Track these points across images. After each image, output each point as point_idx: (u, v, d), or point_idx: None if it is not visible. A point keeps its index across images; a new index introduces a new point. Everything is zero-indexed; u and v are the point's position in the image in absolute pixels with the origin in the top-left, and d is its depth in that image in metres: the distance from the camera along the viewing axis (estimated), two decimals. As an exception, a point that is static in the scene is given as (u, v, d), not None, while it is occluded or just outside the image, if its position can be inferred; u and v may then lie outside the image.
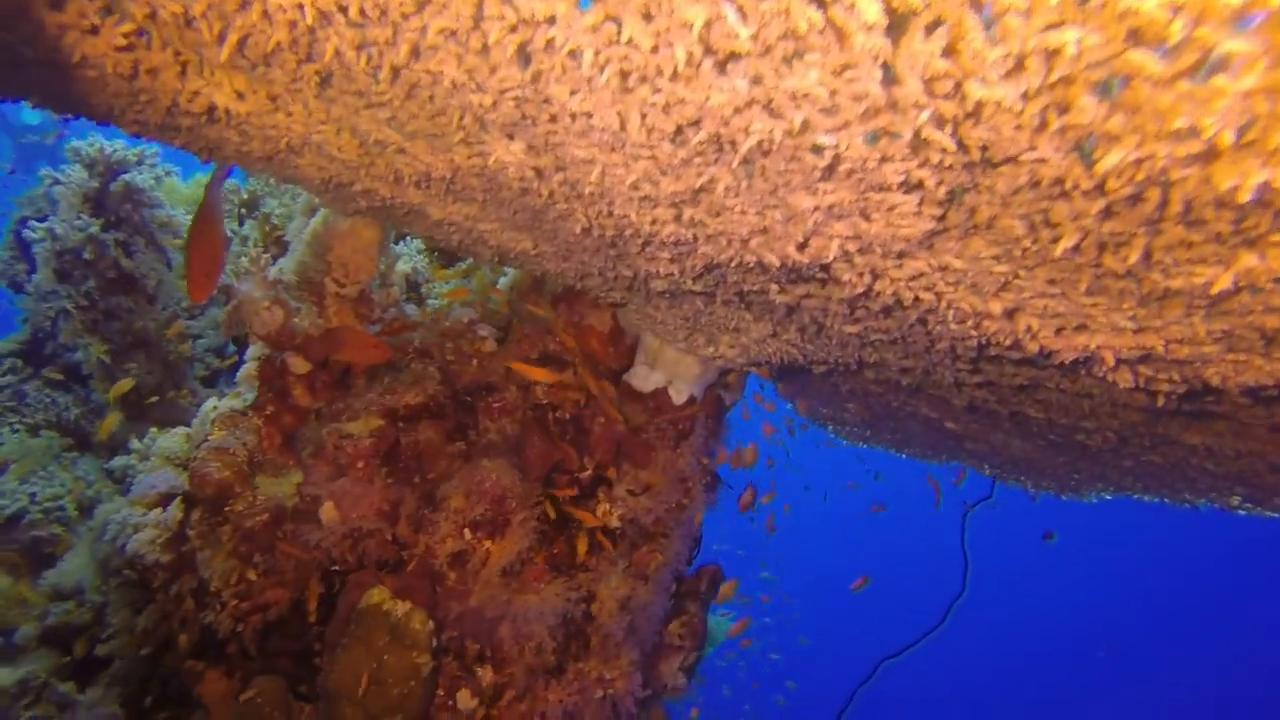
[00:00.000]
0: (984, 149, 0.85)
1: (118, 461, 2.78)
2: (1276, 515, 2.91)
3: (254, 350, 2.55)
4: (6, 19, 1.11)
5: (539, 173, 1.34)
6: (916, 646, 3.53)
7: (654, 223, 1.36)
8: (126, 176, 2.83)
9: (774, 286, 1.65)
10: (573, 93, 0.99)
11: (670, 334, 2.35)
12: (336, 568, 2.19)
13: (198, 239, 1.77)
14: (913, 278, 1.31)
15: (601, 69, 0.90)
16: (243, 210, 3.13)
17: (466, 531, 2.16)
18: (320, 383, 2.56)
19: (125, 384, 3.11)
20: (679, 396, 2.48)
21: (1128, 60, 0.57)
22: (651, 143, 1.06)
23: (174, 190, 3.32)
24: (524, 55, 0.95)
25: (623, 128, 1.04)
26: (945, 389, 2.48)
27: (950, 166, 0.90)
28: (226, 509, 2.22)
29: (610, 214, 1.38)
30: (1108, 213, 0.86)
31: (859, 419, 3.73)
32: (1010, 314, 1.32)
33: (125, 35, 1.16)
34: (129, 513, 2.37)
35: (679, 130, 1.02)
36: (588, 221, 1.50)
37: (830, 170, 0.98)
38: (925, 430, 3.48)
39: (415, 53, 1.03)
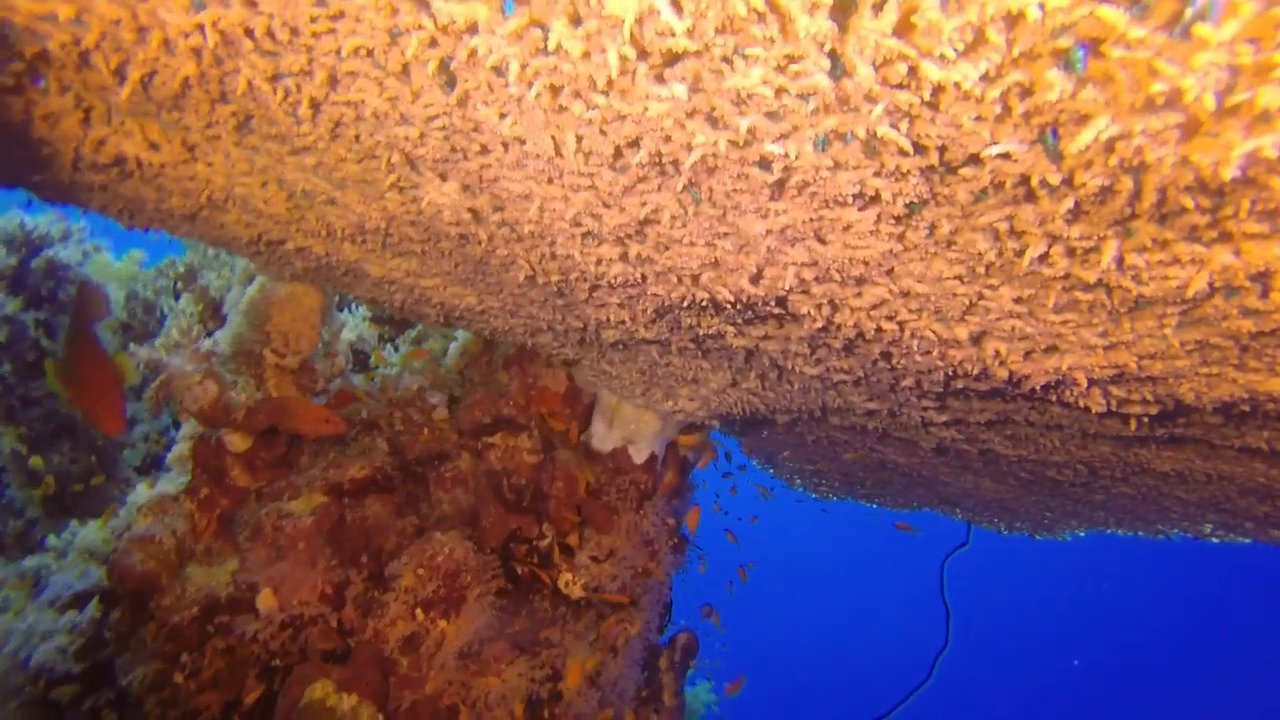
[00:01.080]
0: (942, 150, 0.79)
1: (30, 562, 2.55)
2: (1247, 540, 2.88)
3: (186, 429, 2.39)
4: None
5: (475, 215, 1.26)
6: (904, 705, 3.38)
7: (599, 262, 1.28)
8: (49, 252, 2.70)
9: (730, 329, 1.58)
10: (502, 115, 0.92)
11: (627, 389, 2.26)
12: (276, 662, 2.00)
13: (82, 369, 1.61)
14: (874, 306, 1.25)
15: (530, 84, 0.83)
16: (179, 284, 3.00)
17: (419, 611, 2.00)
18: (260, 461, 2.40)
19: (49, 483, 2.90)
20: (639, 455, 2.37)
21: (1097, 18, 0.52)
22: (590, 169, 1.00)
23: (105, 266, 3.18)
24: (447, 74, 0.88)
25: (558, 153, 0.97)
26: (913, 431, 2.42)
27: (907, 174, 0.85)
28: (151, 605, 2.02)
29: (554, 255, 1.31)
30: (1076, 213, 0.81)
31: (828, 472, 3.66)
32: (977, 339, 1.27)
33: (14, 75, 1.07)
34: (36, 620, 2.16)
35: (618, 153, 0.95)
36: (530, 268, 1.42)
37: (780, 186, 0.92)
38: (895, 477, 3.42)
39: (333, 81, 0.96)
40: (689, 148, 0.88)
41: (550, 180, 1.06)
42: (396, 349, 3.01)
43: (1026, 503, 3.23)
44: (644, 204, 1.06)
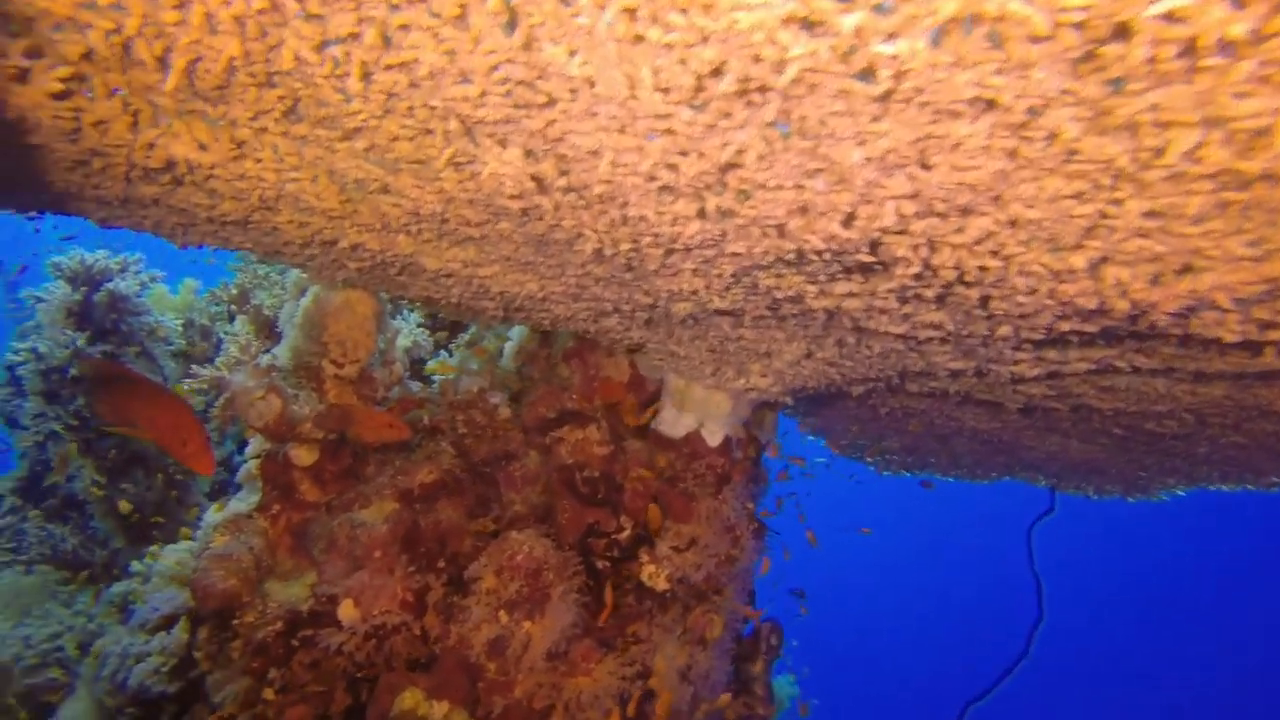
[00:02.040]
0: (1080, 26, 0.69)
1: (117, 588, 2.57)
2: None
3: (253, 446, 2.37)
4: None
5: (539, 183, 1.19)
6: (1002, 684, 3.21)
7: (675, 221, 1.20)
8: (110, 285, 2.72)
9: (811, 288, 1.48)
10: (571, 53, 0.84)
11: (696, 370, 2.17)
12: (361, 672, 1.96)
13: (161, 416, 1.63)
14: (977, 241, 1.14)
15: (603, 7, 0.75)
16: (232, 306, 3.01)
17: (502, 613, 1.94)
18: (328, 474, 2.37)
19: (127, 506, 2.93)
20: (713, 438, 2.28)
21: None
22: (667, 109, 0.91)
23: (162, 298, 3.21)
24: (509, 12, 0.81)
25: (632, 92, 0.89)
26: (999, 390, 2.28)
27: (1033, 65, 0.75)
28: (235, 622, 2.00)
29: (625, 220, 1.23)
30: (1256, 80, 0.70)
31: (899, 446, 3.52)
32: (1094, 268, 1.15)
33: (61, 80, 1.03)
34: (129, 642, 2.15)
35: (698, 85, 0.87)
36: (598, 239, 1.35)
37: (885, 100, 0.83)
38: (974, 446, 3.26)
39: (384, 39, 0.89)
40: (782, 65, 0.79)
41: (622, 129, 0.98)
42: (450, 354, 2.97)
43: (1119, 462, 3.05)
44: (726, 145, 0.98)
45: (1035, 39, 0.70)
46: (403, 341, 2.67)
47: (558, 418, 2.33)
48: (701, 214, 1.18)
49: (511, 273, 1.70)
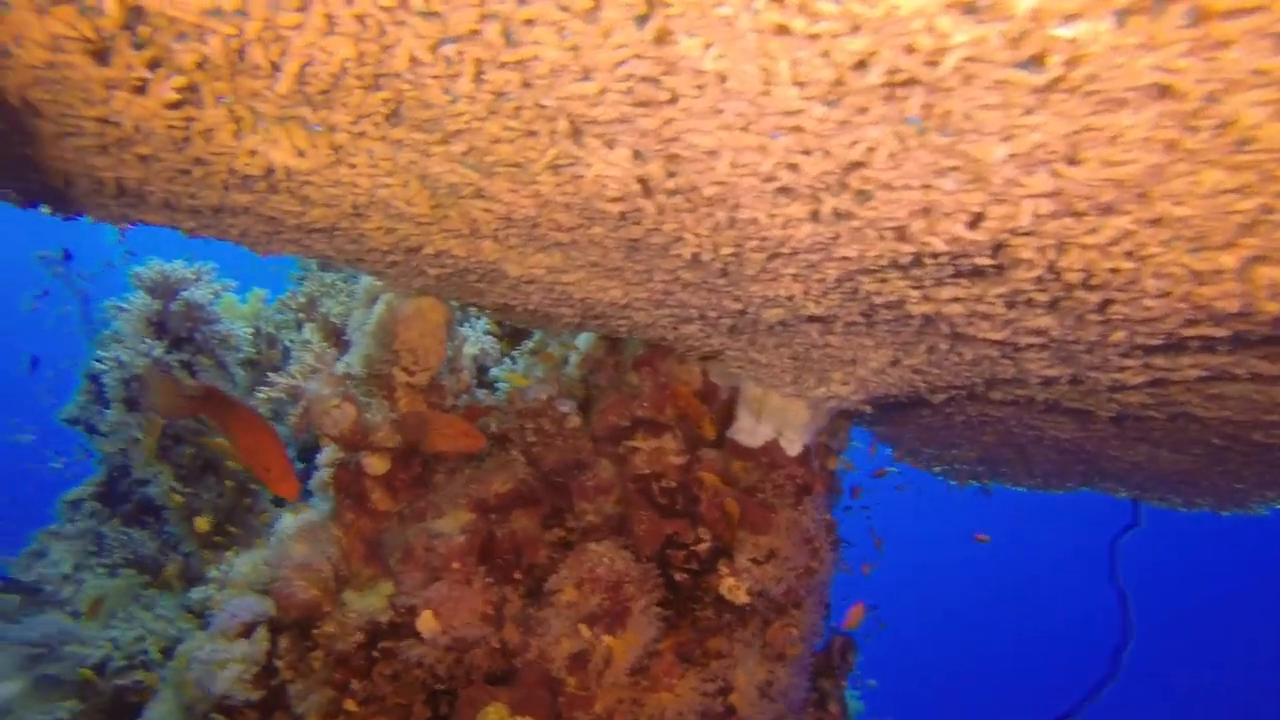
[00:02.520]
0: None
1: (196, 594, 2.60)
2: None
3: (327, 455, 2.38)
4: (50, 80, 0.98)
5: (645, 185, 1.15)
6: (1087, 707, 3.07)
7: (786, 225, 1.15)
8: (186, 294, 2.77)
9: (914, 293, 1.41)
10: (707, 46, 0.80)
11: (776, 377, 2.11)
12: (441, 685, 1.94)
13: (245, 440, 1.69)
14: (1112, 242, 1.07)
15: (752, -5, 0.71)
16: (300, 315, 3.04)
17: (583, 627, 1.90)
18: (399, 483, 2.36)
19: (202, 522, 2.97)
20: (792, 447, 2.22)
21: None
22: (800, 105, 0.87)
23: (231, 307, 3.26)
24: (647, 2, 0.77)
25: (766, 89, 0.84)
26: (1093, 399, 2.18)
27: (1235, 45, 0.68)
28: (315, 632, 2.00)
29: (732, 223, 1.18)
30: None
31: (970, 455, 3.40)
32: (1246, 268, 1.07)
33: (177, 90, 1.02)
34: (212, 648, 2.17)
35: (838, 79, 0.82)
36: (699, 242, 1.30)
37: (1048, 89, 0.77)
38: (1052, 455, 3.14)
39: (506, 36, 0.86)
40: (938, 55, 0.74)
41: (746, 127, 0.93)
42: (514, 361, 2.96)
43: (1213, 473, 2.90)
44: (855, 143, 0.92)
45: (1240, 11, 0.64)
46: (470, 349, 2.66)
47: (631, 426, 2.29)
48: (815, 216, 1.13)
49: (596, 279, 1.67)
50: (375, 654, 1.90)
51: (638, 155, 1.10)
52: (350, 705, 1.89)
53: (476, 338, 2.67)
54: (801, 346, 1.88)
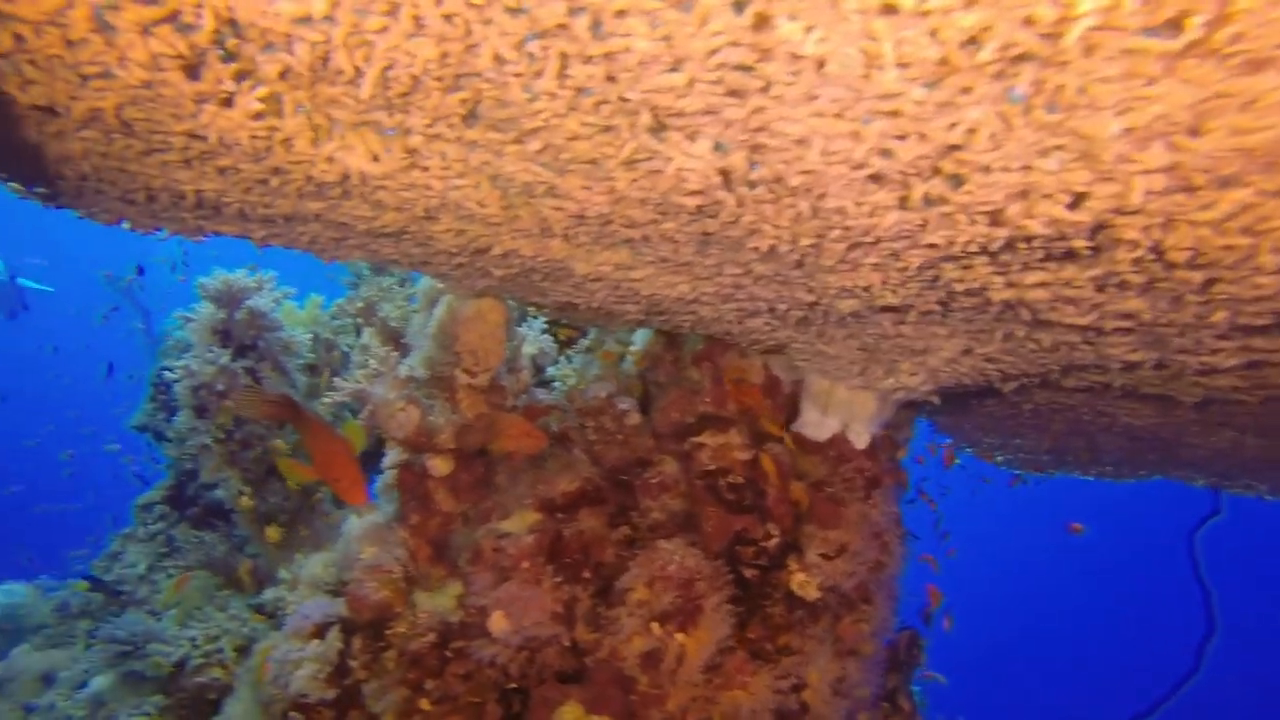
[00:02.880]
0: None
1: (268, 594, 2.65)
2: None
3: (391, 457, 2.40)
4: (144, 99, 0.99)
5: (726, 178, 1.12)
6: (1169, 703, 2.95)
7: (873, 213, 1.11)
8: (250, 302, 2.82)
9: (998, 280, 1.36)
10: (808, 30, 0.77)
11: (843, 370, 2.07)
12: (512, 685, 1.95)
13: (318, 450, 1.73)
14: (1229, 217, 1.01)
15: (864, -27, 0.68)
16: (358, 320, 3.08)
17: (654, 625, 1.88)
18: (463, 484, 2.38)
19: (273, 532, 3.03)
20: (860, 440, 2.18)
21: None
22: (900, 87, 0.83)
23: (290, 314, 3.31)
24: (748, -13, 0.74)
25: (868, 72, 0.81)
26: (1175, 383, 2.09)
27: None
28: (388, 632, 2.02)
29: (815, 213, 1.15)
30: None
31: (1035, 443, 3.31)
32: (1374, 242, 1.00)
33: (261, 100, 1.03)
34: (287, 648, 2.20)
35: (944, 59, 0.78)
36: (777, 234, 1.27)
37: (1181, 55, 0.72)
38: (1123, 443, 3.03)
39: (594, 29, 0.84)
40: (1058, 28, 0.70)
41: (841, 113, 0.90)
42: (569, 360, 2.95)
43: (1302, 457, 2.78)
44: (955, 125, 0.89)
45: None
46: (528, 349, 2.66)
47: (695, 422, 2.26)
48: (903, 204, 1.09)
49: (664, 274, 1.65)
50: (448, 654, 1.92)
51: (719, 147, 1.07)
52: (424, 704, 1.90)
53: (534, 337, 2.67)
54: (872, 338, 1.83)
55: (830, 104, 0.88)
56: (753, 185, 1.13)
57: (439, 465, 2.32)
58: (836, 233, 1.20)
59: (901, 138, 0.93)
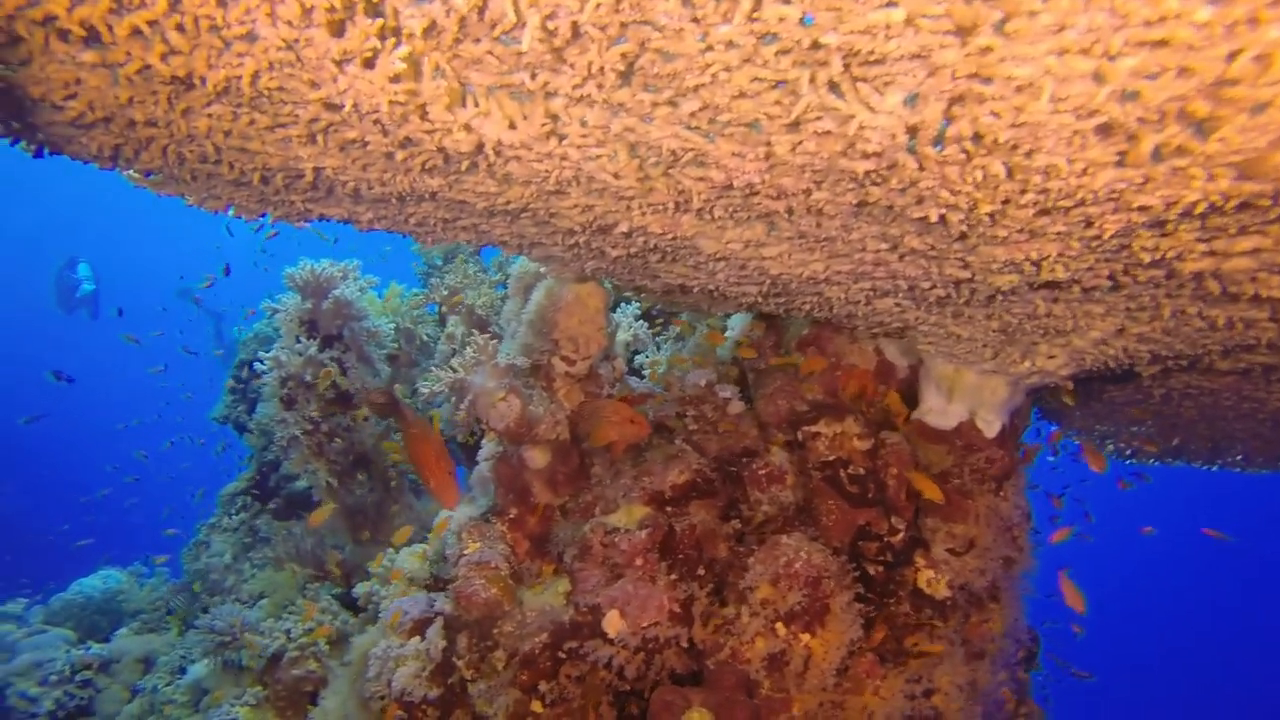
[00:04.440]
0: None
1: (361, 588, 2.62)
2: None
3: (487, 448, 2.33)
4: (283, 63, 0.91)
5: (913, 134, 1.00)
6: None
7: (1085, 171, 0.97)
8: (336, 292, 2.78)
9: (1201, 247, 1.21)
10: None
11: (974, 353, 1.92)
12: (626, 687, 1.86)
13: (416, 451, 1.73)
14: None
15: None
16: (443, 307, 3.02)
17: (779, 625, 1.77)
18: (561, 476, 2.30)
19: (333, 561, 3.01)
20: (990, 428, 2.02)
21: None
22: (1186, 6, 0.69)
23: (371, 304, 3.28)
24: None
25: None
26: (1352, 365, 1.89)
27: None
28: (495, 631, 1.95)
29: (1010, 175, 1.01)
30: None
31: (1156, 430, 3.09)
32: None
33: (403, 59, 0.94)
34: (387, 645, 2.15)
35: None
36: (953, 201, 1.14)
37: None
38: (1264, 430, 2.81)
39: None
40: None
41: (1088, 48, 0.77)
42: (659, 348, 2.85)
43: None
44: (1238, 53, 0.74)
45: None
46: (622, 335, 2.57)
47: (810, 411, 2.14)
48: (1122, 160, 0.95)
49: (799, 252, 1.52)
50: (561, 655, 1.84)
51: (912, 99, 0.94)
52: (537, 707, 1.83)
53: (628, 323, 2.57)
54: (1017, 317, 1.68)
55: (1082, 36, 0.75)
56: (943, 144, 1.00)
57: (537, 456, 2.24)
58: (1030, 196, 1.06)
59: (1155, 75, 0.79)
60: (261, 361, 2.75)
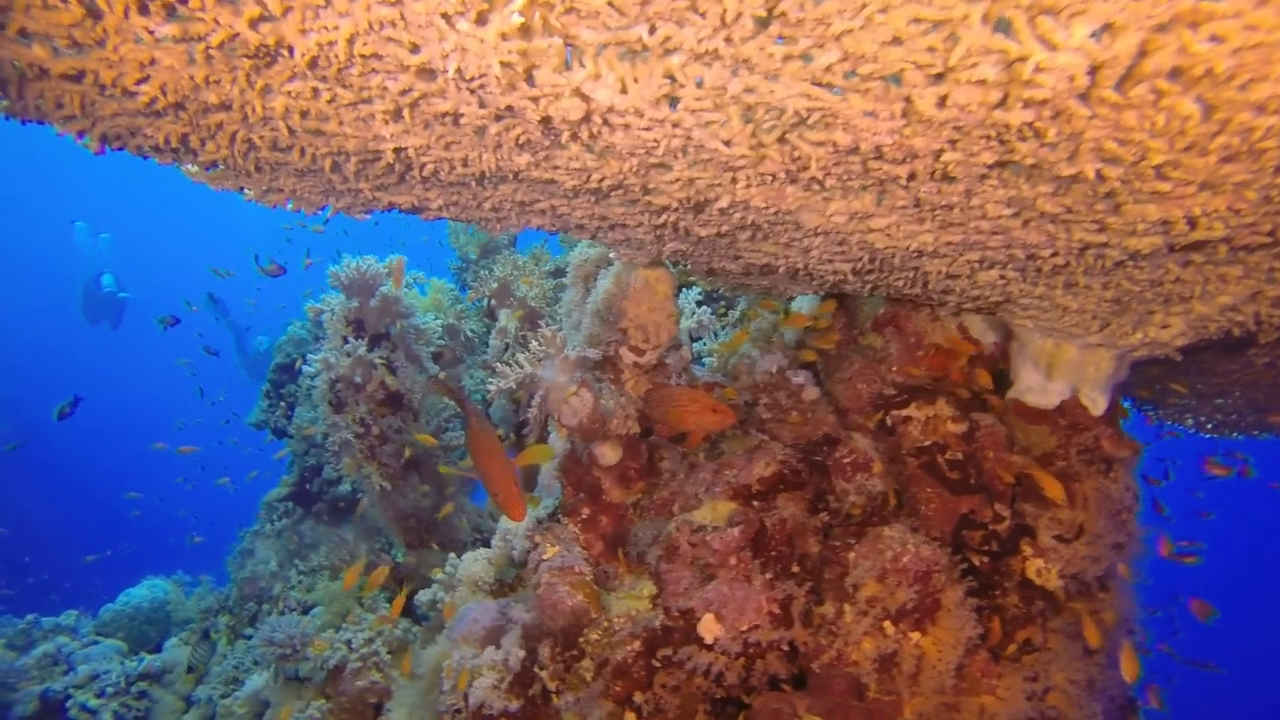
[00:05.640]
0: None
1: (423, 595, 2.54)
2: None
3: (557, 446, 2.23)
4: (384, 22, 0.80)
5: (1095, 75, 0.87)
6: None
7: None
8: (384, 289, 2.68)
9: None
10: None
11: (1081, 325, 1.79)
12: (722, 694, 1.75)
13: (482, 459, 1.65)
14: None
15: None
16: (492, 301, 2.92)
17: (887, 624, 1.66)
18: (632, 472, 2.19)
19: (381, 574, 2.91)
20: (1096, 406, 1.90)
21: None
22: None
23: (414, 300, 3.18)
24: None
25: None
26: None
27: None
28: (581, 639, 1.85)
29: (1207, 115, 0.89)
30: None
31: (1245, 403, 2.94)
32: None
33: (521, 10, 0.83)
34: (460, 655, 2.07)
35: None
36: (1116, 154, 1.02)
37: None
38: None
39: None
40: None
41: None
42: (716, 336, 2.74)
43: None
44: None
45: None
46: (685, 322, 2.46)
47: (896, 394, 2.02)
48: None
49: (909, 223, 1.40)
50: (655, 663, 1.73)
51: (1102, 31, 0.82)
52: (631, 719, 1.73)
53: (690, 309, 2.45)
54: (1140, 285, 1.55)
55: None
56: (1129, 83, 0.88)
57: (608, 453, 2.14)
58: (1221, 140, 0.94)
59: None
60: (309, 364, 2.67)
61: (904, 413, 1.95)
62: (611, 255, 2.01)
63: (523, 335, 2.73)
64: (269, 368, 4.27)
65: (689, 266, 1.99)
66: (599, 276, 2.16)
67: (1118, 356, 1.88)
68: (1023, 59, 0.87)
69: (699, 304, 2.49)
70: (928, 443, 1.89)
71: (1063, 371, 1.91)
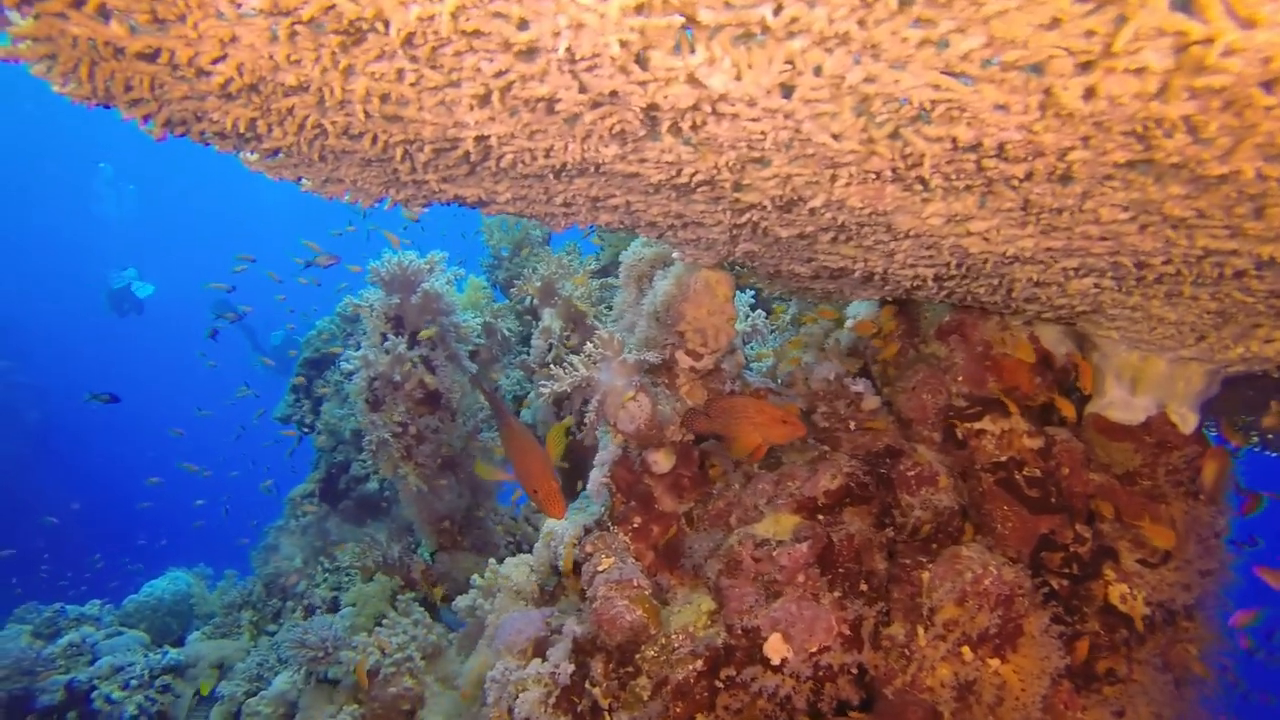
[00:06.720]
0: None
1: (461, 601, 2.46)
2: None
3: (608, 452, 2.15)
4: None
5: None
6: None
7: None
8: (425, 285, 2.61)
9: None
10: None
11: (1175, 338, 1.69)
12: (786, 718, 1.66)
13: (519, 459, 1.62)
14: None
15: None
16: (535, 300, 2.84)
17: (965, 650, 1.57)
18: (685, 480, 2.11)
19: (437, 591, 2.84)
20: (1186, 423, 1.79)
21: None
22: None
23: (454, 298, 3.11)
24: None
25: None
26: None
27: None
28: (637, 656, 1.77)
29: None
30: None
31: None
32: None
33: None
34: (505, 666, 1.99)
35: None
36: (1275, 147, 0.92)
37: None
38: None
39: None
40: None
41: None
42: (764, 341, 2.65)
43: None
44: None
45: None
46: (740, 326, 2.37)
47: (967, 406, 1.92)
48: None
49: (1010, 227, 1.31)
50: (718, 684, 1.65)
51: (1303, 13, 0.73)
52: (691, 740, 1.64)
53: (744, 313, 2.36)
54: (1254, 296, 1.45)
55: None
56: (1322, 73, 0.78)
57: (661, 460, 2.06)
58: None
59: None
60: (345, 360, 2.60)
61: (977, 425, 1.85)
62: (675, 255, 1.93)
63: (566, 335, 2.65)
64: (296, 362, 4.22)
65: (755, 268, 1.91)
66: (656, 277, 2.08)
67: (1210, 372, 1.78)
68: (1208, 40, 0.78)
69: (751, 308, 2.40)
70: (1003, 458, 1.80)
71: (1149, 386, 1.81)
